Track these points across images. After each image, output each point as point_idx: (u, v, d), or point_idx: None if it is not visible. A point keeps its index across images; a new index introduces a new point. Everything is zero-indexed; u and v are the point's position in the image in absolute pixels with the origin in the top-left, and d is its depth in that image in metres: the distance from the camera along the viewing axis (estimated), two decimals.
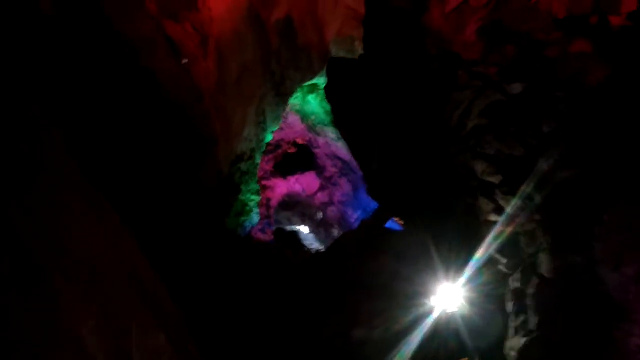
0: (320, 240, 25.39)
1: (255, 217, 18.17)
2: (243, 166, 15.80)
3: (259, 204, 19.38)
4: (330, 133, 22.51)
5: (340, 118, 10.91)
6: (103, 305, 3.95)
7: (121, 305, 4.25)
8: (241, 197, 16.31)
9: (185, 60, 8.63)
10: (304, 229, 26.45)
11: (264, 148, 17.96)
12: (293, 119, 23.70)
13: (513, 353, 5.92)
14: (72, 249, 3.87)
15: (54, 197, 3.55)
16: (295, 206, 26.71)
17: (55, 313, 3.50)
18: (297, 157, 24.83)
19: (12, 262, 2.88)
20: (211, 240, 10.80)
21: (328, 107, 19.01)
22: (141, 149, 8.79)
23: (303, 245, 17.84)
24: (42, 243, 3.39)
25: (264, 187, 24.01)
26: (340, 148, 22.48)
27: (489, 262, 6.69)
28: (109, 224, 4.44)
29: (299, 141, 25.29)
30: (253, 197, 17.38)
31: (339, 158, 23.90)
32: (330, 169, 25.03)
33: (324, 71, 14.83)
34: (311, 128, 23.57)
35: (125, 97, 8.00)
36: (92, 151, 6.25)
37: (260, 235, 22.48)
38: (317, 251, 17.35)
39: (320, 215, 26.65)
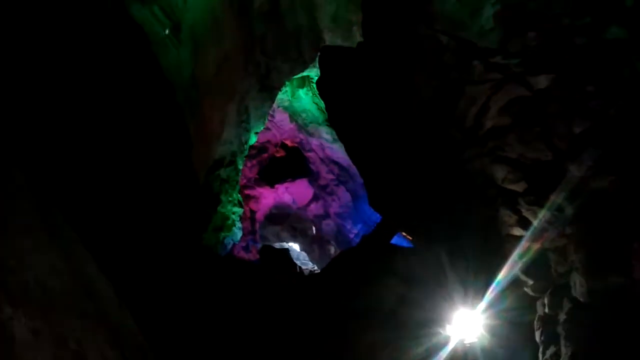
0: (315, 260, 25.42)
1: (237, 233, 18.17)
2: (223, 173, 15.79)
3: (242, 218, 19.39)
4: (325, 134, 22.63)
5: (336, 116, 10.89)
6: (55, 327, 3.96)
7: (75, 328, 4.26)
8: (221, 209, 16.28)
9: None
10: (295, 247, 26.47)
11: (247, 152, 17.99)
12: (281, 117, 23.78)
13: None
14: (21, 270, 3.86)
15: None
16: (284, 220, 26.77)
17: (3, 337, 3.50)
18: (287, 163, 24.93)
19: None
20: (185, 260, 10.74)
21: (322, 103, 19.08)
22: (102, 154, 8.74)
23: (294, 266, 17.76)
24: None
25: (248, 198, 24.01)
26: (337, 151, 22.57)
27: (514, 284, 6.67)
28: (64, 244, 4.47)
29: (289, 143, 25.37)
30: (235, 209, 17.39)
31: (336, 163, 23.98)
32: (326, 176, 25.06)
33: (317, 62, 14.91)
34: (302, 128, 23.63)
35: (75, 90, 8.00)
36: (46, 163, 6.25)
37: (244, 254, 22.46)
38: (312, 272, 17.31)
39: (314, 230, 26.66)
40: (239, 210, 17.34)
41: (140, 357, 4.78)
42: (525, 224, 6.63)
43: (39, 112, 7.16)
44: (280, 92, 18.43)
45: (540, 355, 6.23)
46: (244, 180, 24.05)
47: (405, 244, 15.05)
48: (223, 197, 15.85)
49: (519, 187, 6.72)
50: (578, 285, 5.85)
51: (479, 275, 7.31)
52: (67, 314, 4.17)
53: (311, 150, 23.91)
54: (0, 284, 3.52)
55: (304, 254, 26.87)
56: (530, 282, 6.48)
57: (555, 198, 6.10)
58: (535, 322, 6.50)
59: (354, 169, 19.49)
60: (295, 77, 18.33)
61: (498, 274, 6.77)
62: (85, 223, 5.88)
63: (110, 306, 4.93)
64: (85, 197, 7.78)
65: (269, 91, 16.86)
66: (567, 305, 5.99)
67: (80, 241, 4.64)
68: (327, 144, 22.79)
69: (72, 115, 8.01)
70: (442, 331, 7.74)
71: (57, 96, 7.70)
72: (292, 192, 25.30)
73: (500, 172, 6.90)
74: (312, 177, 24.88)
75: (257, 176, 24.70)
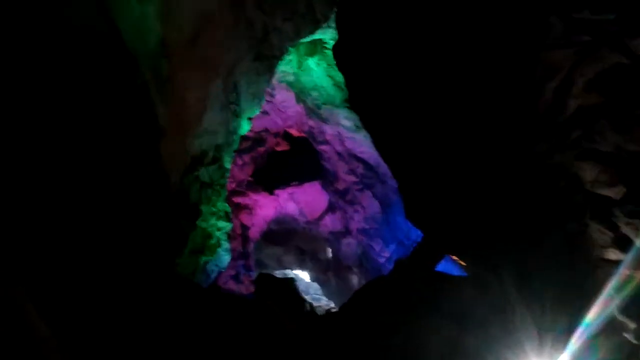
0: (331, 293, 25.41)
1: (224, 257, 18.27)
2: (204, 174, 15.88)
3: (231, 236, 19.48)
4: (344, 119, 22.67)
5: (359, 95, 10.89)
6: None
7: None
8: (201, 223, 16.38)
9: None
10: (303, 276, 26.52)
11: (237, 145, 18.07)
12: (284, 97, 23.88)
13: None
14: None
15: None
16: (288, 239, 26.86)
17: None
18: (292, 159, 24.98)
19: None
20: (152, 295, 10.81)
21: (340, 77, 19.09)
22: (35, 146, 8.88)
23: (303, 303, 17.77)
24: None
25: (239, 208, 24.15)
26: (361, 143, 22.59)
27: (609, 327, 6.64)
28: None
29: (294, 133, 25.47)
30: (220, 223, 17.48)
31: (359, 159, 23.99)
32: (345, 178, 25.07)
33: (333, 20, 14.91)
34: (313, 111, 23.66)
35: None
36: None
37: (233, 286, 22.58)
38: (327, 312, 17.24)
39: (329, 252, 26.69)
40: (225, 225, 17.43)
41: None
42: (624, 244, 6.59)
43: None
44: (282, 63, 18.50)
45: None
46: (234, 184, 24.12)
47: (456, 271, 15.00)
48: (204, 208, 15.94)
49: (614, 193, 6.69)
50: None
51: (558, 315, 7.30)
52: None
53: (325, 142, 23.91)
54: None
55: (315, 285, 26.86)
56: (632, 325, 6.44)
57: None
58: None
59: (384, 167, 19.50)
60: (302, 41, 18.40)
61: (586, 313, 6.75)
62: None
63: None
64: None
65: (267, 61, 16.90)
66: None
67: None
68: (347, 133, 22.82)
69: None
70: None
71: None
72: (299, 201, 25.28)
73: (589, 172, 6.88)
74: (327, 179, 24.85)
75: (250, 178, 24.76)
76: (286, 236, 26.64)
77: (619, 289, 6.47)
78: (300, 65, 21.48)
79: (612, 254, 6.68)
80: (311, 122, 23.90)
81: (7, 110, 8.49)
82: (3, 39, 8.44)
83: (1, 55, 8.39)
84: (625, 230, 6.57)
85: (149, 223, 11.70)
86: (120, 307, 9.30)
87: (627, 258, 6.48)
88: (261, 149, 24.50)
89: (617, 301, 6.50)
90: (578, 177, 6.98)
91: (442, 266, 13.76)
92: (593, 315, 6.66)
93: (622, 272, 6.49)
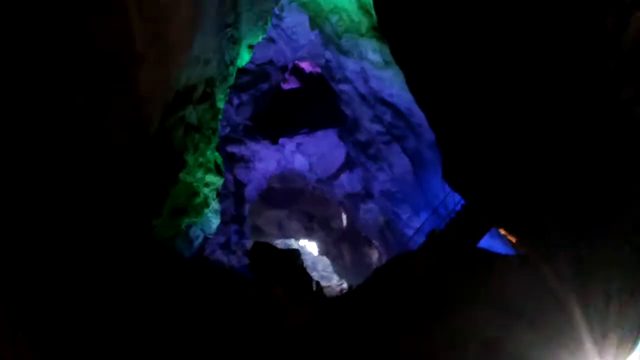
0: (345, 270, 25.59)
1: (212, 220, 18.36)
2: (191, 115, 15.85)
3: (222, 194, 19.54)
4: (372, 52, 22.51)
5: (391, 20, 10.79)
6: None
7: None
8: (185, 177, 16.41)
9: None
10: (311, 247, 26.64)
11: (233, 79, 18.00)
12: (295, 20, 23.73)
13: None
14: None
15: None
16: (293, 200, 27.02)
17: None
18: (302, 100, 24.91)
19: None
20: (123, 264, 10.92)
21: None
22: None
23: (309, 281, 17.91)
24: None
25: (233, 160, 24.24)
26: (392, 84, 22.44)
27: None
28: None
29: (307, 68, 25.35)
30: (209, 178, 17.52)
31: (389, 104, 23.88)
32: (370, 127, 24.99)
33: None
34: (332, 40, 23.52)
35: None
36: None
37: (223, 257, 22.77)
38: (340, 293, 17.26)
39: (344, 220, 26.76)
40: (216, 180, 17.46)
41: None
42: None
43: None
44: None
45: None
46: (228, 129, 24.06)
47: (504, 249, 15.05)
48: (189, 158, 15.97)
49: None
50: None
51: (626, 310, 7.31)
52: None
53: (345, 80, 23.79)
54: None
55: (325, 260, 26.96)
56: None
57: None
58: None
59: (419, 116, 19.38)
60: None
61: None
62: None
63: None
64: None
65: None
66: None
67: None
68: (374, 70, 22.68)
69: None
70: None
71: None
72: (310, 153, 25.20)
73: None
74: (346, 127, 24.74)
75: (249, 123, 24.70)
76: (291, 197, 26.81)
77: None
78: None
79: None
80: (329, 54, 23.76)
81: None
82: None
83: None
84: None
85: (119, 174, 11.74)
86: (89, 277, 9.44)
87: None
88: (264, 86, 24.44)
89: None
90: None
91: (486, 241, 13.78)
92: None
93: None
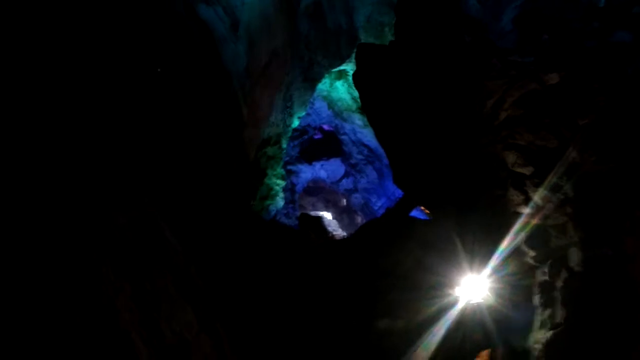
0: (344, 227, 25.55)
1: (280, 202, 18.43)
2: (269, 151, 15.99)
3: (285, 189, 19.63)
4: (358, 120, 22.44)
5: (367, 104, 10.84)
6: (134, 281, 4.21)
7: (152, 281, 4.51)
8: (267, 181, 16.53)
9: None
10: (327, 216, 26.66)
11: (290, 133, 18.12)
12: (320, 105, 23.71)
13: (538, 346, 5.90)
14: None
15: None
16: (319, 192, 26.94)
17: (91, 286, 3.78)
18: (323, 144, 24.93)
19: None
20: (238, 222, 11.01)
21: (356, 93, 18.86)
22: (171, 135, 8.94)
23: (327, 232, 17.96)
24: None
25: (290, 172, 24.23)
26: (367, 135, 22.38)
27: (516, 253, 6.65)
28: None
29: (326, 127, 25.31)
30: (279, 181, 17.61)
31: (365, 145, 23.83)
32: (356, 156, 24.96)
33: (353, 57, 14.74)
34: (338, 114, 23.52)
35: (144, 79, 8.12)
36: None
37: (285, 220, 22.80)
38: (342, 238, 17.42)
39: (344, 202, 26.75)
40: (282, 182, 17.54)
41: (212, 319, 4.98)
42: (528, 203, 6.56)
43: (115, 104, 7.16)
44: (320, 83, 18.37)
45: (537, 316, 6.23)
46: (287, 158, 24.26)
47: (422, 216, 15.02)
48: (269, 171, 16.10)
49: (526, 171, 6.64)
50: (574, 257, 5.80)
51: (484, 245, 7.27)
52: (146, 270, 4.47)
53: (345, 133, 23.84)
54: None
55: (335, 221, 27.04)
56: (532, 252, 6.43)
57: (552, 178, 6.06)
58: (533, 287, 6.48)
59: (381, 150, 19.36)
60: (333, 70, 18.21)
61: (501, 244, 6.76)
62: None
63: (186, 268, 5.20)
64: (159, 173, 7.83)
65: (311, 82, 16.85)
66: (564, 274, 5.95)
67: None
68: (358, 128, 22.62)
69: (148, 102, 8.24)
70: (452, 293, 7.74)
71: (135, 88, 7.91)
72: (327, 169, 25.42)
73: (511, 157, 6.82)
74: (345, 156, 24.86)
75: (298, 154, 24.88)
76: (318, 191, 26.67)
77: (522, 228, 6.48)
78: (331, 85, 21.28)
79: (522, 209, 6.66)
80: (336, 121, 23.77)
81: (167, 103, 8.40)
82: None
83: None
84: (531, 194, 6.54)
85: (237, 180, 11.87)
86: (220, 229, 9.39)
87: (527, 210, 6.48)
88: (305, 137, 24.44)
89: (521, 237, 6.50)
90: (504, 161, 6.94)
91: (414, 213, 13.73)
92: (505, 244, 6.68)
93: (524, 219, 6.50)
